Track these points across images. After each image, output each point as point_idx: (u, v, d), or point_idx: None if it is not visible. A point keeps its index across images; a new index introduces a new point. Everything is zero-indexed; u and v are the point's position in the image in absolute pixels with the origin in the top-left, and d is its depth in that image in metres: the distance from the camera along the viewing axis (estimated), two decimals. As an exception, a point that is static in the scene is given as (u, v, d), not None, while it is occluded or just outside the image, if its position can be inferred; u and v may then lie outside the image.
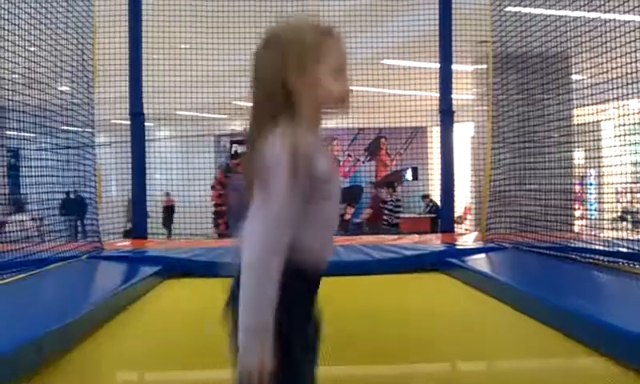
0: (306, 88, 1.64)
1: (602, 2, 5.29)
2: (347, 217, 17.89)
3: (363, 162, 18.04)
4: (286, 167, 1.53)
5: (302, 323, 1.69)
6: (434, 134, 12.39)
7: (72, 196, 8.83)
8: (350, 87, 1.72)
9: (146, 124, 8.06)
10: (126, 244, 7.66)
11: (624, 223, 9.03)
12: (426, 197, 14.82)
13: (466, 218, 13.78)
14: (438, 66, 8.32)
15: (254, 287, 1.53)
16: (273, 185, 1.55)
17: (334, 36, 1.71)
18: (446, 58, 8.15)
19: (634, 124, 5.87)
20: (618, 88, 5.31)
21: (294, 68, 1.62)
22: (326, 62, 1.66)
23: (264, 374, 1.50)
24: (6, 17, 5.19)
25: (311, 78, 1.64)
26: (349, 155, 17.95)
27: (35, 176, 6.02)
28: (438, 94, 8.36)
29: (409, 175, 16.56)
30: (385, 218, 13.22)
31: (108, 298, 4.18)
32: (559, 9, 5.97)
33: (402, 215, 16.24)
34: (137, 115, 7.98)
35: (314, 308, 1.77)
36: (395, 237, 8.99)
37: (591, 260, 5.13)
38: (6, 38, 5.20)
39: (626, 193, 6.41)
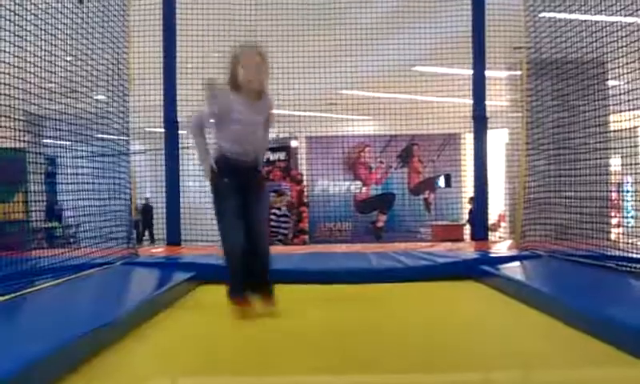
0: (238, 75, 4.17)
1: (639, 7, 5.21)
2: (379, 224, 17.84)
3: (395, 169, 17.96)
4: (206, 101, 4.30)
5: (223, 176, 4.22)
6: (468, 141, 12.30)
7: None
8: (252, 79, 4.17)
9: (180, 132, 8.14)
10: (160, 250, 7.74)
11: (662, 231, 8.84)
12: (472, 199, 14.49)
13: (499, 226, 13.63)
14: (471, 72, 8.26)
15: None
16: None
17: (245, 51, 4.24)
18: (479, 64, 8.09)
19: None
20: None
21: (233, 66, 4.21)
22: (240, 64, 4.16)
23: (208, 173, 4.27)
24: (44, 28, 5.30)
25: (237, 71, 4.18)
26: (381, 162, 17.89)
27: (71, 183, 6.13)
28: (471, 101, 8.30)
29: (441, 182, 16.45)
30: (274, 230, 12.66)
31: (142, 302, 4.23)
32: (594, 14, 5.89)
33: (434, 223, 16.16)
34: (171, 123, 8.08)
35: (238, 175, 4.20)
36: (428, 244, 8.91)
37: (628, 268, 5.02)
38: (44, 48, 5.31)
39: (664, 200, 6.28)
